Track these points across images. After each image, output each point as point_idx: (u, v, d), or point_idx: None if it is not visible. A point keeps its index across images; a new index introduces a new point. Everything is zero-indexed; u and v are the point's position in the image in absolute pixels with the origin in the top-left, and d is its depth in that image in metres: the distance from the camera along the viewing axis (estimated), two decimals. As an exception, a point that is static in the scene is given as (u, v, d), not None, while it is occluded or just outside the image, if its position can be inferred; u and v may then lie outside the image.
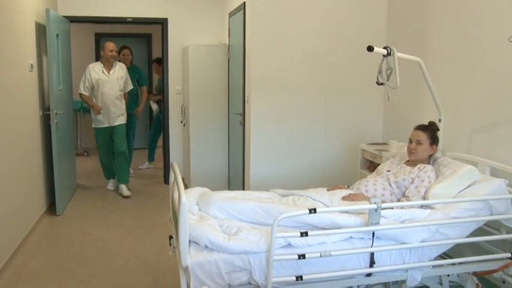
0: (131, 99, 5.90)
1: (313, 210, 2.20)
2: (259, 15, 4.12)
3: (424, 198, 2.73)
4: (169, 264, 3.54)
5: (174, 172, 2.46)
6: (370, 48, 2.75)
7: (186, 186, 5.29)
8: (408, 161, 3.06)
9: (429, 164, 2.98)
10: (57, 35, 4.82)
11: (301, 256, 2.19)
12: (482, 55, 3.12)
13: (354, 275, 2.37)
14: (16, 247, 3.71)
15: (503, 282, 2.69)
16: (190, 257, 2.18)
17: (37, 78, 4.54)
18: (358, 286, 2.61)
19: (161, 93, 6.40)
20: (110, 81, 5.26)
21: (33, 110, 4.41)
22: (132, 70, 5.91)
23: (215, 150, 5.48)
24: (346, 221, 2.38)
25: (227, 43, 5.31)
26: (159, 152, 6.78)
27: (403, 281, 2.47)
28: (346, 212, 2.45)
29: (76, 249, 3.85)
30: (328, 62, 4.27)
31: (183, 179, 4.46)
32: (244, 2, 4.34)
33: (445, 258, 2.72)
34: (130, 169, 6.18)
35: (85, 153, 7.84)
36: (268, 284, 2.19)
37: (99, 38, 8.26)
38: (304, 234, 2.18)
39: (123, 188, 5.43)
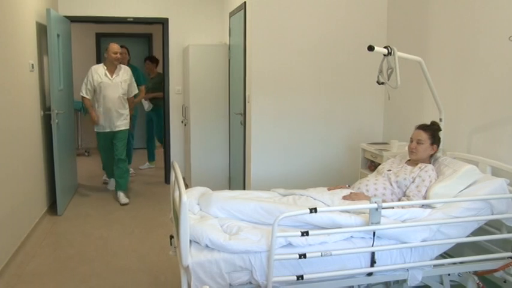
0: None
1: (313, 210, 2.20)
2: (260, 15, 4.12)
3: (424, 197, 2.74)
4: (170, 264, 3.54)
5: (175, 172, 2.46)
6: (370, 48, 2.75)
7: (186, 186, 5.29)
8: (409, 160, 3.06)
9: (430, 163, 2.98)
10: (58, 35, 4.82)
11: (302, 255, 2.19)
12: (482, 54, 3.11)
13: (354, 275, 2.38)
14: (17, 247, 3.72)
15: (505, 281, 2.70)
16: (191, 256, 2.18)
17: (38, 78, 4.54)
18: (359, 285, 2.61)
19: (154, 91, 6.39)
20: (112, 85, 5.05)
21: (34, 110, 4.41)
22: None
23: (216, 149, 5.48)
24: (347, 220, 2.38)
25: (228, 43, 5.31)
26: (159, 151, 6.78)
27: (404, 281, 2.48)
28: (347, 211, 2.46)
29: (77, 249, 3.86)
30: (329, 61, 4.27)
31: (183, 178, 4.46)
32: (245, 2, 4.34)
33: (446, 258, 2.72)
34: (131, 169, 6.17)
35: (86, 153, 7.84)
36: (269, 284, 2.19)
37: (100, 38, 8.28)
38: (305, 233, 2.19)
39: (121, 195, 5.23)
